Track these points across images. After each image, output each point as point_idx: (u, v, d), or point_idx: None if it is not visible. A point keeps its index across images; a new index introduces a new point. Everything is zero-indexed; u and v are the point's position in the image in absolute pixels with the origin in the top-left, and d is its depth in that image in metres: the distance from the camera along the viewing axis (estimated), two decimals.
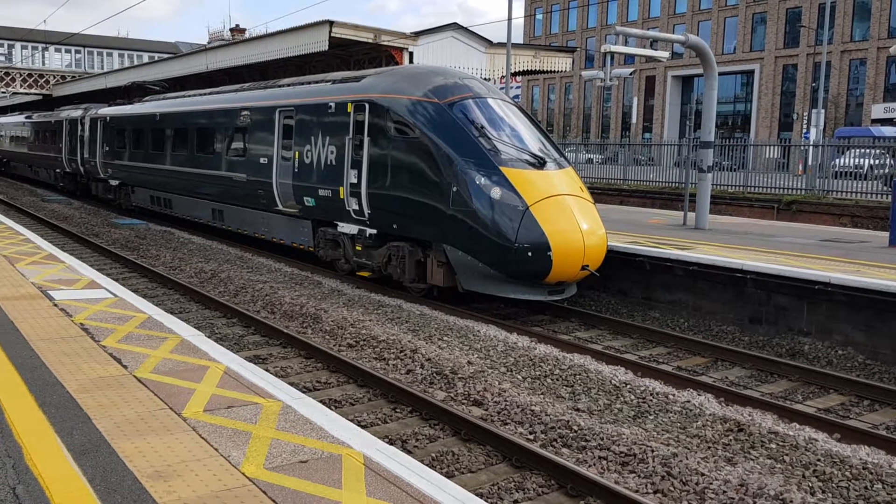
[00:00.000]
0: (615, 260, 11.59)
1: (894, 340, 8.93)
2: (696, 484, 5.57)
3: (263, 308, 11.07)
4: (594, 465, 5.95)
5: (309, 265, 14.23)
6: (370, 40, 17.89)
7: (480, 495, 5.41)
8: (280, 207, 14.34)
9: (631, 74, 65.26)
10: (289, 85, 15.21)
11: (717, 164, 22.90)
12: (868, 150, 23.06)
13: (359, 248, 12.57)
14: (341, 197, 12.40)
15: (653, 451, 6.04)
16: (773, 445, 6.33)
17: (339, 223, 12.85)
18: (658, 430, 6.68)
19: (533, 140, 11.26)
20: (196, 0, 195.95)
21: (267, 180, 14.50)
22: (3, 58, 66.96)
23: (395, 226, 11.60)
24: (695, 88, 63.52)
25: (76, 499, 3.62)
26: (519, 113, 11.87)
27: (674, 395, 7.52)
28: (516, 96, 66.65)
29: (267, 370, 7.91)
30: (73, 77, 39.03)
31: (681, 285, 11.21)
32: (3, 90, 38.85)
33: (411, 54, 18.66)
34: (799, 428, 6.75)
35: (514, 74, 22.23)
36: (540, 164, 10.64)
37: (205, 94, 18.95)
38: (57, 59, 76.86)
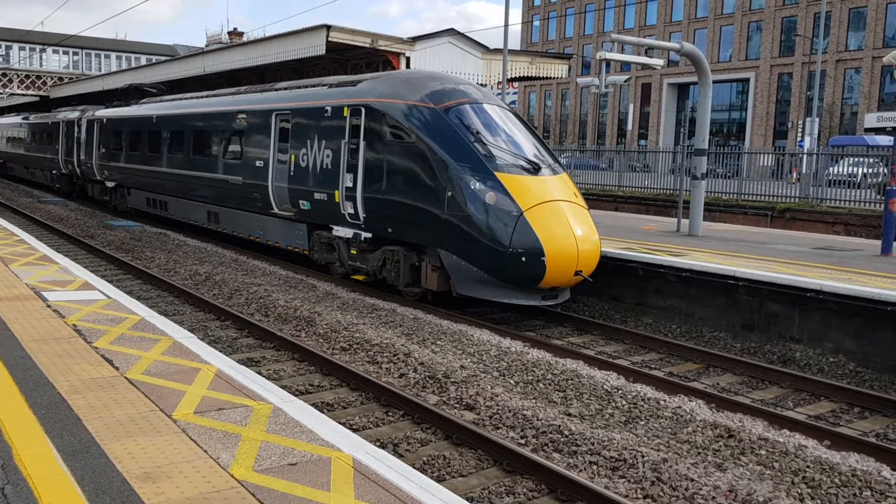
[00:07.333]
0: (609, 266, 11.63)
1: (885, 348, 8.97)
2: (686, 489, 5.58)
3: (257, 311, 11.07)
4: (584, 469, 5.97)
5: (304, 268, 14.24)
6: (367, 45, 17.94)
7: (470, 499, 5.43)
8: (275, 210, 14.35)
9: (626, 82, 65.45)
10: (285, 88, 15.23)
11: (711, 172, 23.00)
12: (862, 159, 23.20)
13: (354, 251, 12.59)
14: (337, 200, 12.42)
15: (643, 456, 6.05)
16: (763, 452, 6.35)
17: (334, 227, 12.86)
18: (649, 435, 6.70)
19: (528, 146, 11.29)
20: (198, 3, 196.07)
21: (263, 183, 14.51)
22: (0, 58, 66.86)
23: (389, 230, 11.62)
24: (690, 96, 63.90)
25: (64, 500, 3.62)
26: (514, 119, 11.91)
27: (665, 400, 7.54)
28: (513, 102, 66.72)
29: (260, 373, 7.93)
30: (71, 78, 39.02)
31: (674, 291, 11.24)
32: (0, 91, 38.79)
33: (408, 59, 18.71)
34: (789, 434, 6.78)
35: (511, 80, 22.32)
36: (535, 169, 10.67)
37: (202, 97, 18.95)
38: (55, 61, 76.89)
